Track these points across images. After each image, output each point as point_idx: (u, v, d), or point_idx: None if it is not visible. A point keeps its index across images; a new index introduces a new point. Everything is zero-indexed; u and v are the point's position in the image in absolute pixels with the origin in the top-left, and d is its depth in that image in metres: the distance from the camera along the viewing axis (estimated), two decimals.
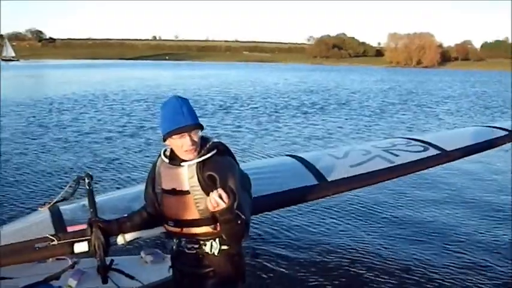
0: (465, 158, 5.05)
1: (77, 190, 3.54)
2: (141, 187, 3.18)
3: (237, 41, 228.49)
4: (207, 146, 2.85)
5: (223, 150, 2.91)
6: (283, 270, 5.73)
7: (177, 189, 2.83)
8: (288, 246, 6.48)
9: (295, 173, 4.18)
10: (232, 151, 2.96)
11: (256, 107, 24.09)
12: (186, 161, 2.82)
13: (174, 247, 2.96)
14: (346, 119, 20.25)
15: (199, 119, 2.85)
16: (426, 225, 7.36)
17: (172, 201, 2.87)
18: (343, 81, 52.29)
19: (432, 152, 4.73)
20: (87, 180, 3.36)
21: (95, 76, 53.86)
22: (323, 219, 7.58)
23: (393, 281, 5.50)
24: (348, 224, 7.44)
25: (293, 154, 4.68)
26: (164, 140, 2.87)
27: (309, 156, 4.51)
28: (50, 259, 4.67)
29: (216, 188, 2.62)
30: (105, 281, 3.64)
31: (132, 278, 4.57)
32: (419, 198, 8.79)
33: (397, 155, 4.58)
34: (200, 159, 2.79)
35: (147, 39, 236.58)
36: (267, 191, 3.79)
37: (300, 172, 4.17)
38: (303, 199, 4.15)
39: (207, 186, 2.73)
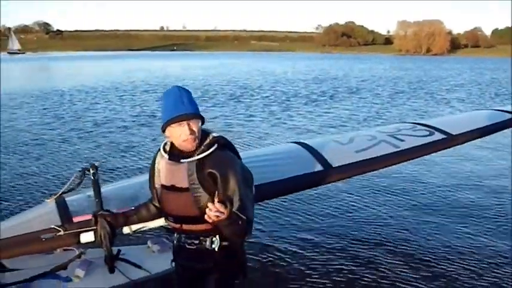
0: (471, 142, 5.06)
1: (83, 181, 3.52)
2: (146, 176, 3.13)
3: (244, 31, 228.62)
4: (207, 140, 2.78)
5: (224, 145, 2.82)
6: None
7: (177, 185, 2.78)
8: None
9: (301, 159, 4.17)
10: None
11: (267, 96, 24.00)
12: (185, 157, 2.75)
13: (175, 241, 2.96)
14: (358, 107, 20.11)
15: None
16: None
17: (172, 198, 2.82)
18: (352, 69, 52.04)
19: (438, 136, 4.72)
20: (92, 171, 3.33)
21: (103, 68, 54.04)
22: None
23: None
24: None
25: (299, 141, 4.65)
26: (163, 131, 2.80)
27: (314, 143, 4.50)
28: (58, 250, 4.70)
29: (217, 185, 2.65)
30: (112, 271, 3.68)
31: (139, 267, 4.58)
32: None
33: (402, 140, 4.58)
34: (200, 156, 2.72)
35: (155, 30, 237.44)
36: (273, 178, 3.81)
37: (305, 159, 4.16)
38: (309, 185, 4.20)
39: (207, 184, 2.69)
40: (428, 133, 4.78)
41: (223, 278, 2.88)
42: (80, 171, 3.48)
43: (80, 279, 4.39)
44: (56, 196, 3.69)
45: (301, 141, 4.63)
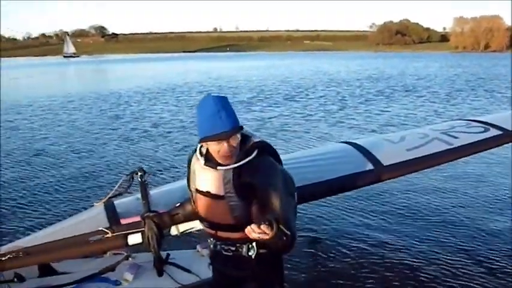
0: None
1: (131, 184, 3.55)
2: None
3: (297, 30, 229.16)
4: (247, 147, 2.60)
5: (263, 151, 2.64)
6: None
7: (212, 192, 2.64)
8: None
9: (351, 159, 4.14)
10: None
11: (322, 96, 23.74)
12: (222, 164, 2.59)
13: (211, 246, 2.85)
14: (416, 106, 19.65)
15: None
16: None
17: (207, 204, 2.70)
18: (407, 67, 51.15)
19: (493, 132, 4.62)
20: (139, 174, 3.33)
21: (158, 70, 55.07)
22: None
23: None
24: None
25: (348, 141, 4.62)
26: (200, 143, 2.66)
27: (364, 142, 4.47)
28: (107, 254, 4.77)
29: (255, 195, 2.52)
30: (160, 274, 3.71)
31: (188, 271, 4.54)
32: None
33: (456, 137, 4.52)
34: (237, 164, 2.55)
35: (208, 32, 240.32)
36: (323, 178, 3.79)
37: (355, 158, 4.14)
38: (359, 184, 4.13)
39: (244, 193, 2.54)
40: (483, 129, 4.69)
41: (260, 286, 2.77)
42: (128, 174, 3.52)
43: (128, 283, 4.39)
44: (104, 199, 3.72)
45: (352, 141, 4.61)
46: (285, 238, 2.36)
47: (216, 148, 2.53)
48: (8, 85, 33.28)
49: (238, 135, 2.57)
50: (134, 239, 3.28)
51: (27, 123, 16.51)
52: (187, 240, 4.78)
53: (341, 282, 5.14)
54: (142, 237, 3.13)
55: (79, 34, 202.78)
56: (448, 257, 5.63)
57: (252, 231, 2.20)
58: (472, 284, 5.06)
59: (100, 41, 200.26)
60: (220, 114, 2.49)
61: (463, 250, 5.82)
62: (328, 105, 20.34)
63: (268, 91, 26.24)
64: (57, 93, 26.32)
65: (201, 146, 2.71)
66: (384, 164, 4.03)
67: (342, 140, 4.86)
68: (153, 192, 3.52)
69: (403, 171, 4.20)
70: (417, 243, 6.07)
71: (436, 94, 24.10)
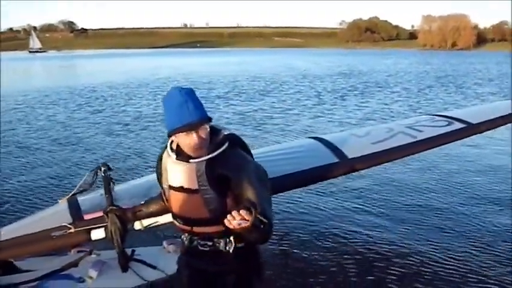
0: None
1: (96, 181, 3.50)
2: None
3: (267, 27, 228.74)
4: (217, 139, 2.56)
5: (235, 143, 2.62)
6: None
7: (185, 187, 2.59)
8: None
9: (316, 152, 4.21)
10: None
11: (298, 91, 23.76)
12: (194, 157, 2.54)
13: (186, 242, 2.78)
14: (392, 102, 19.79)
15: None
16: None
17: (181, 199, 2.64)
18: (377, 64, 51.56)
19: (457, 125, 4.75)
20: (103, 169, 3.32)
21: (129, 65, 54.54)
22: None
23: None
24: None
25: (315, 136, 4.70)
26: (169, 136, 2.60)
27: (330, 137, 4.55)
28: (71, 252, 4.71)
29: (229, 186, 2.50)
30: (125, 270, 3.69)
31: (154, 267, 4.48)
32: None
33: (420, 131, 4.62)
34: (209, 156, 2.51)
35: (178, 27, 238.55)
36: (290, 171, 3.83)
37: (321, 152, 4.21)
38: (324, 177, 4.20)
39: (218, 185, 2.51)
40: (447, 123, 4.82)
41: (239, 280, 2.75)
42: (91, 171, 3.47)
43: (92, 280, 4.32)
44: (68, 196, 3.71)
45: (318, 136, 4.68)
46: (262, 226, 2.29)
47: (186, 140, 2.50)
48: None
49: (207, 127, 2.53)
50: (97, 234, 3.28)
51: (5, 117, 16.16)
52: (153, 237, 4.81)
53: (314, 273, 5.12)
54: (106, 232, 3.14)
55: (47, 29, 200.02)
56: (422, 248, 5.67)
57: (233, 218, 2.15)
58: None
59: (69, 36, 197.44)
60: (188, 104, 2.47)
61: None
62: (304, 100, 20.40)
63: (243, 86, 26.20)
64: (28, 88, 25.80)
65: (171, 142, 2.66)
66: (349, 157, 4.10)
67: (310, 136, 4.93)
68: (117, 188, 3.51)
69: (368, 163, 4.29)
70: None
71: (409, 90, 24.38)
